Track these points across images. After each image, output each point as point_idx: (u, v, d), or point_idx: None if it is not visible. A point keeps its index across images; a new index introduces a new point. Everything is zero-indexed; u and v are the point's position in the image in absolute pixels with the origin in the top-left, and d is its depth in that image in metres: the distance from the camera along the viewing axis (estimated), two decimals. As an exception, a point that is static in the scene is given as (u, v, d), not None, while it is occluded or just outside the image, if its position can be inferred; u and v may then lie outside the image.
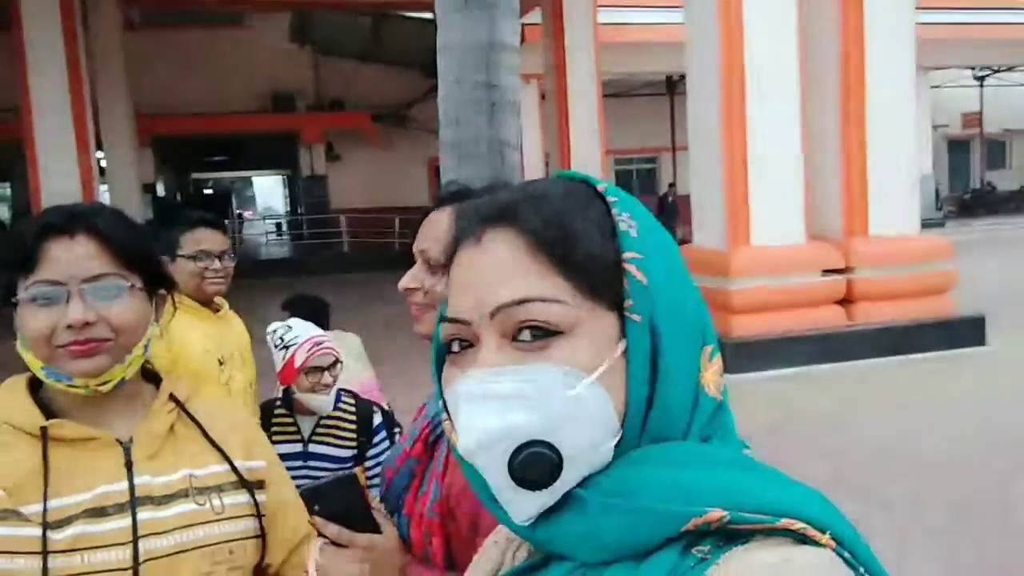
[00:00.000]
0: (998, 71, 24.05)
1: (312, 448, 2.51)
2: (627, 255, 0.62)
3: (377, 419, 2.67)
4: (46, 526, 1.04)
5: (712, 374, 0.65)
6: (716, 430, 0.64)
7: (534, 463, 0.58)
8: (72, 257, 1.09)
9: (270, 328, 2.63)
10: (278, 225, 27.53)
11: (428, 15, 17.86)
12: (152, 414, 1.18)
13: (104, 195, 14.67)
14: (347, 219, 20.00)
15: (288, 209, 27.33)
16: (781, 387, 6.71)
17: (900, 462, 4.81)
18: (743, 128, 7.30)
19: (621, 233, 0.63)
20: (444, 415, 0.68)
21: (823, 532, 0.55)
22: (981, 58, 21.48)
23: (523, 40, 16.14)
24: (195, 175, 24.96)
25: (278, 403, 2.57)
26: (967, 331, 7.63)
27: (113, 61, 15.12)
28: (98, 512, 1.08)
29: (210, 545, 1.14)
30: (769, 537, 0.55)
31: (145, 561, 1.08)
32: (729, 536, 0.55)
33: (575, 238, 0.62)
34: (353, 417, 2.62)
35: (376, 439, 2.65)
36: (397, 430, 3.18)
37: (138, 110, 16.22)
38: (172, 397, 1.21)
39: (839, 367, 7.16)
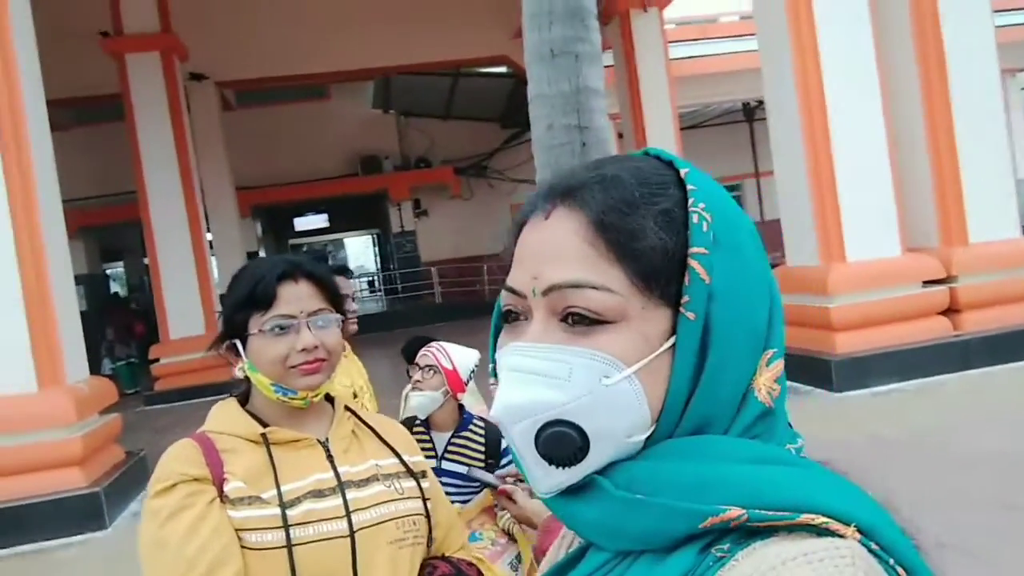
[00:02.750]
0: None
1: (445, 465, 2.67)
2: (694, 250, 0.61)
3: (504, 443, 2.87)
4: (283, 505, 1.31)
5: (767, 379, 0.63)
6: (761, 435, 0.63)
7: (558, 442, 0.59)
8: (300, 296, 1.40)
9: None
10: (370, 282, 28.43)
11: (502, 69, 18.52)
12: (338, 421, 1.47)
13: (213, 266, 15.60)
14: (437, 270, 20.58)
15: (378, 266, 28.19)
16: (891, 402, 6.62)
17: (1018, 473, 4.71)
18: (828, 145, 7.33)
19: (692, 225, 0.62)
20: (492, 379, 0.69)
21: (848, 524, 0.54)
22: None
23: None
24: (292, 241, 26.08)
25: (417, 420, 2.74)
26: (1086, 332, 7.37)
27: (214, 141, 16.17)
28: (318, 494, 1.35)
29: (401, 517, 1.41)
30: (790, 533, 0.54)
31: (358, 530, 1.35)
32: (751, 533, 0.55)
33: (639, 228, 0.61)
34: (482, 439, 2.80)
35: (504, 460, 2.86)
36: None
37: (238, 184, 17.23)
38: (347, 408, 1.52)
39: (950, 378, 7.01)
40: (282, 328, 1.38)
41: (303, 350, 1.37)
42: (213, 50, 14.50)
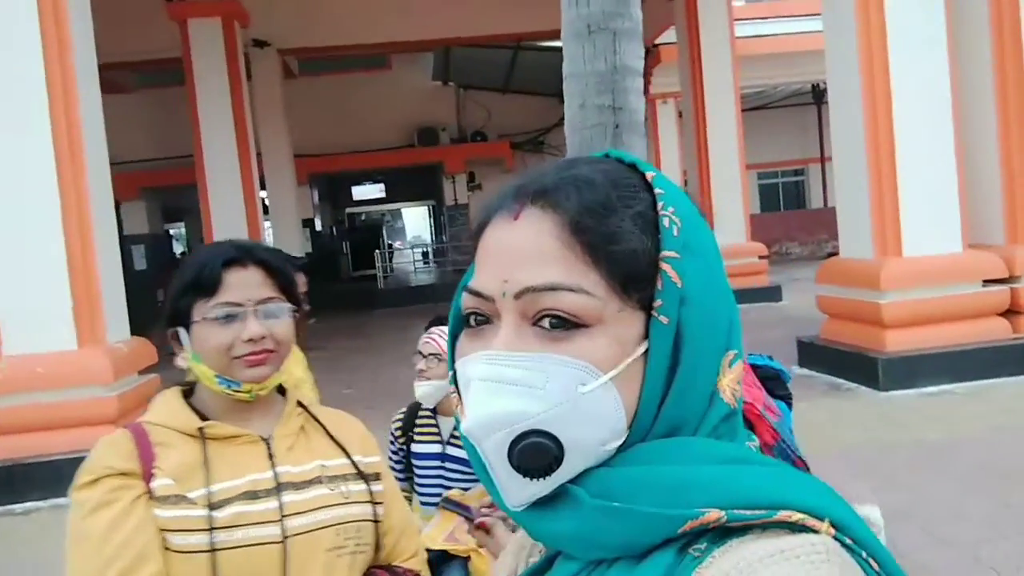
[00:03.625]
0: None
1: (450, 451, 2.58)
2: (665, 254, 0.60)
3: None
4: (211, 507, 1.24)
5: (730, 380, 0.63)
6: (725, 435, 0.62)
7: (534, 453, 0.57)
8: (248, 283, 1.33)
9: None
10: (424, 254, 28.59)
11: (560, 44, 18.12)
12: (286, 416, 1.39)
13: (268, 230, 15.84)
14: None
15: (433, 237, 28.31)
16: (942, 404, 6.34)
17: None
18: (890, 133, 6.98)
19: (663, 229, 0.61)
20: (452, 386, 0.67)
21: (822, 520, 0.54)
22: None
23: (659, 60, 16.14)
24: (349, 210, 26.31)
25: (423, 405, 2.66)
26: None
27: (274, 107, 16.36)
28: (251, 495, 1.28)
29: (341, 524, 1.33)
30: (765, 530, 0.54)
31: (291, 536, 1.27)
32: (727, 531, 0.55)
33: (616, 231, 0.60)
34: None
35: None
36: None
37: (297, 151, 17.40)
38: (299, 403, 1.44)
39: (1006, 382, 6.68)
40: (227, 316, 1.31)
41: (249, 340, 1.30)
42: (276, 17, 14.61)
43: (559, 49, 4.04)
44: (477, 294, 0.63)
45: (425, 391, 2.61)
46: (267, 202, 16.28)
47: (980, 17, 7.27)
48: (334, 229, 25.04)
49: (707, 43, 12.85)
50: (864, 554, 0.54)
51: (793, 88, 20.28)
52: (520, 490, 0.60)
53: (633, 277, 0.60)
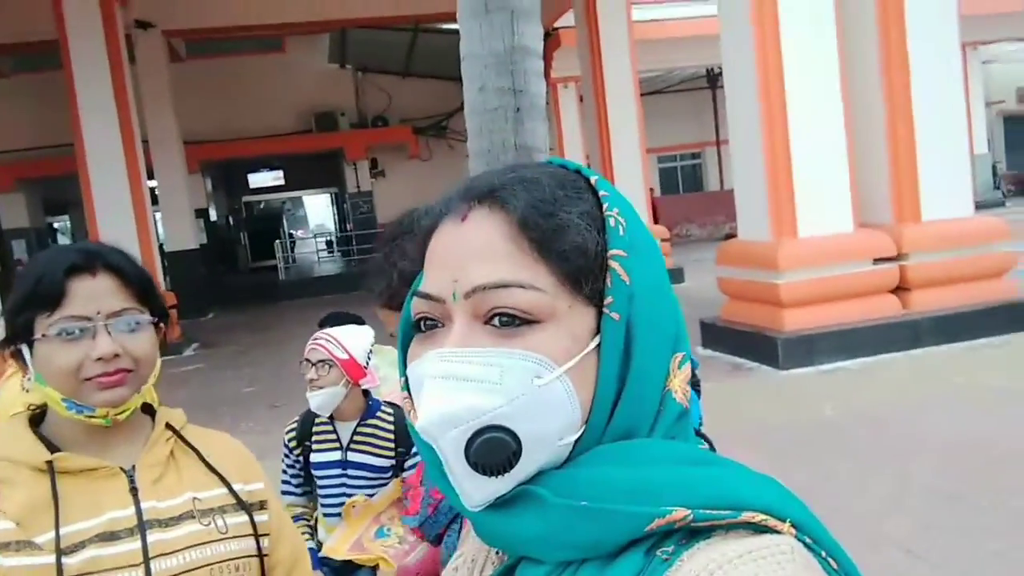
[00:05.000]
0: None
1: (351, 456, 2.51)
2: (613, 252, 0.61)
3: None
4: (60, 552, 1.07)
5: (680, 381, 0.63)
6: (678, 435, 0.63)
7: (492, 449, 0.57)
8: (96, 293, 1.15)
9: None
10: (328, 243, 27.95)
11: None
12: (152, 442, 1.22)
13: (158, 222, 15.10)
14: (394, 233, 20.20)
15: (337, 226, 27.72)
16: (839, 380, 6.55)
17: (969, 453, 4.63)
18: (784, 118, 7.15)
19: (609, 229, 0.62)
20: (404, 392, 0.66)
21: (783, 520, 0.55)
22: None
23: (559, 44, 16.17)
24: (246, 198, 25.43)
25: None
26: (1031, 313, 7.35)
27: (161, 92, 15.54)
28: (109, 536, 1.12)
29: (217, 563, 1.18)
30: (730, 531, 0.55)
31: None
32: (692, 533, 0.55)
33: (563, 228, 0.61)
34: (391, 427, 2.61)
35: (415, 449, 2.65)
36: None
37: (187, 138, 16.64)
38: (168, 426, 1.26)
39: (897, 357, 6.96)
40: (71, 332, 1.13)
41: (100, 359, 1.12)
42: (159, -4, 13.89)
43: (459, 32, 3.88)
44: (427, 296, 0.63)
45: (321, 401, 2.49)
46: (157, 192, 15.51)
47: (866, 5, 7.49)
48: (230, 219, 24.19)
49: (605, 27, 12.91)
50: (824, 553, 0.56)
51: (689, 72, 20.68)
52: (478, 489, 0.59)
53: (582, 272, 0.60)
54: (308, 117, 20.31)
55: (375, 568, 2.27)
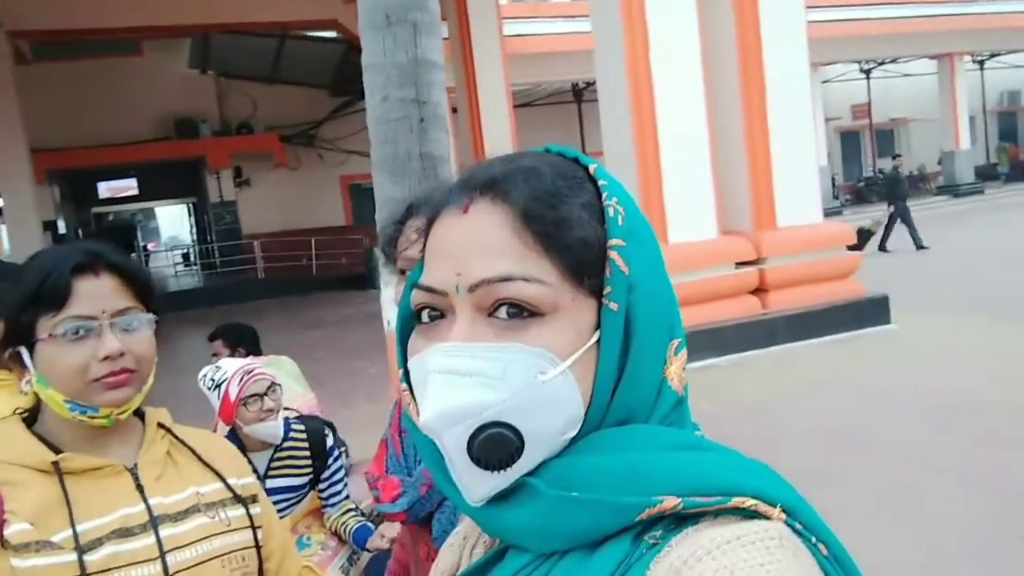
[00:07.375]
0: (883, 63, 25.35)
1: (269, 484, 2.52)
2: (612, 242, 0.61)
3: (330, 441, 2.72)
4: (80, 550, 1.09)
5: (676, 368, 0.64)
6: (675, 423, 0.64)
7: (495, 444, 0.57)
8: (100, 292, 1.16)
9: (200, 374, 2.60)
10: (185, 255, 26.80)
11: (331, 34, 17.82)
12: (149, 441, 1.24)
13: (2, 234, 14.06)
14: (260, 244, 19.65)
15: (195, 238, 26.61)
16: (712, 376, 6.95)
17: (830, 438, 5.08)
18: (655, 132, 7.57)
19: (609, 219, 0.62)
20: (403, 385, 0.66)
21: (773, 506, 0.55)
22: (866, 52, 22.65)
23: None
24: (96, 209, 24.03)
25: None
26: (874, 311, 8.09)
27: (5, 97, 14.48)
28: (125, 532, 1.14)
29: (226, 554, 1.22)
30: (717, 517, 0.55)
31: (175, 573, 1.15)
32: (681, 518, 0.56)
33: (566, 220, 0.60)
34: (306, 444, 2.64)
35: (330, 460, 2.70)
36: (342, 448, 3.24)
37: (34, 146, 15.59)
38: (161, 425, 1.28)
39: (758, 354, 7.48)
40: (79, 332, 1.14)
41: (106, 358, 1.14)
42: (2, -6, 13.00)
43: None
44: (429, 289, 0.62)
45: (276, 427, 2.52)
46: (1, 204, 14.44)
47: (727, 26, 8.05)
48: (79, 231, 22.77)
49: (478, 39, 13.13)
50: (814, 539, 0.56)
51: (555, 87, 21.28)
52: (480, 485, 0.59)
53: (585, 264, 0.60)
54: (167, 124, 19.48)
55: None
